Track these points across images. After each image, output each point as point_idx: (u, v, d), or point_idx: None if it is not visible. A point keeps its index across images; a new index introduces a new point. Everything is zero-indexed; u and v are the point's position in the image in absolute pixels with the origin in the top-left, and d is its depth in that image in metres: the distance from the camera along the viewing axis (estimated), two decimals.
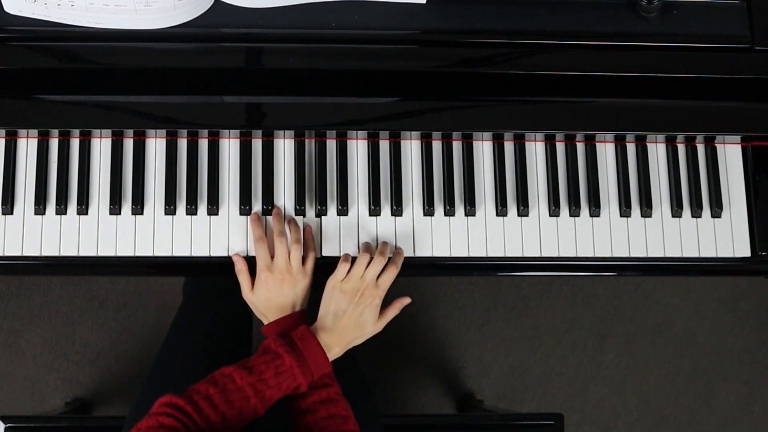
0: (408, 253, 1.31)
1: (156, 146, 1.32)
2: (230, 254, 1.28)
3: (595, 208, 1.34)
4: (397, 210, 1.32)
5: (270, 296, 1.23)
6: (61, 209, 1.28)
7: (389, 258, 1.27)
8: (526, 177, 1.35)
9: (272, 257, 1.25)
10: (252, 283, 1.25)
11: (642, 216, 1.35)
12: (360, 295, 1.22)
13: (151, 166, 1.31)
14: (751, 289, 2.25)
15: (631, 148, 1.37)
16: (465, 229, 1.33)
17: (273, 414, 1.33)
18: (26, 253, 1.28)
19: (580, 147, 1.37)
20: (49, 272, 1.32)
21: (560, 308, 2.20)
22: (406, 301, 1.28)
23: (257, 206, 1.31)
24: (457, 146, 1.35)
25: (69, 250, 1.28)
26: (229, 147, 1.32)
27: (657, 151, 1.38)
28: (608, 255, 1.34)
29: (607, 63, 1.30)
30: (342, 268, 1.24)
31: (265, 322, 1.25)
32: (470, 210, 1.33)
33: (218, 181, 1.31)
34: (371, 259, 1.24)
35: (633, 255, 1.34)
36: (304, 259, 1.26)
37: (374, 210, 1.32)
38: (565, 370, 2.20)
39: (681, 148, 1.38)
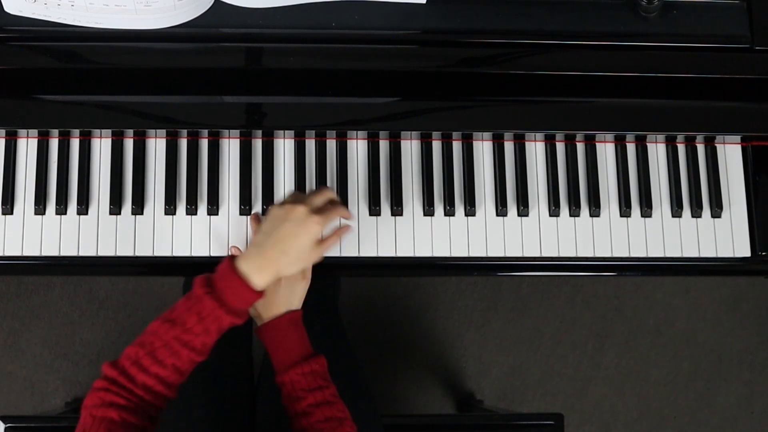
0: (408, 252, 1.31)
1: (156, 146, 1.32)
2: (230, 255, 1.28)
3: (595, 208, 1.34)
4: (397, 210, 1.32)
5: (266, 292, 1.22)
6: (61, 209, 1.28)
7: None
8: (526, 177, 1.35)
9: None
10: None
11: (642, 216, 1.35)
12: (297, 214, 1.13)
13: (151, 166, 1.31)
14: (751, 289, 2.25)
15: (631, 148, 1.37)
16: (465, 229, 1.33)
17: (272, 415, 1.33)
18: (26, 253, 1.28)
19: (580, 147, 1.37)
20: (49, 272, 1.32)
21: (560, 308, 2.20)
22: (349, 229, 1.24)
23: (257, 206, 1.31)
24: (457, 146, 1.35)
25: (69, 250, 1.28)
26: (229, 147, 1.32)
27: (657, 151, 1.38)
28: (608, 255, 1.34)
29: (607, 63, 1.30)
30: (290, 195, 1.20)
31: (259, 322, 1.24)
32: (470, 210, 1.33)
33: (218, 181, 1.31)
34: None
35: (633, 255, 1.34)
36: None
37: (374, 210, 1.32)
38: (565, 370, 2.20)
39: (681, 148, 1.38)
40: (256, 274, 1.11)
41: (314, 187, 1.32)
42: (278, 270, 1.13)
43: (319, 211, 1.17)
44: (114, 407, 1.05)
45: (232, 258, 1.12)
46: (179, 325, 1.08)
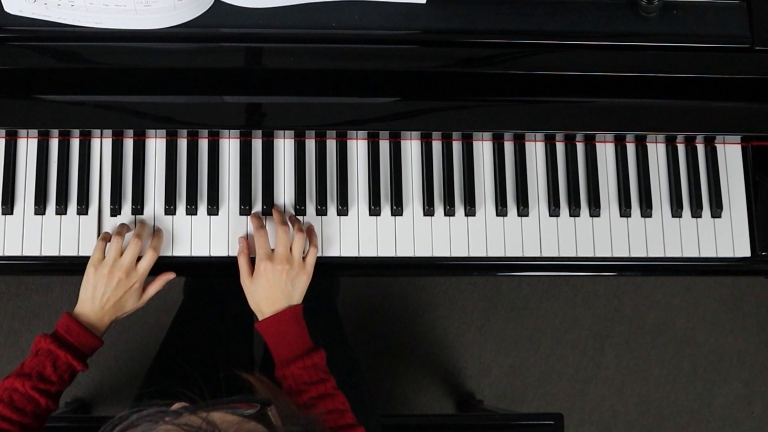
0: (408, 252, 1.31)
1: (156, 146, 1.32)
2: (230, 254, 1.28)
3: (595, 208, 1.34)
4: (397, 210, 1.32)
5: (268, 286, 1.22)
6: (61, 209, 1.28)
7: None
8: (526, 177, 1.35)
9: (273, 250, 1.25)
10: (252, 270, 1.25)
11: (642, 216, 1.35)
12: (117, 281, 1.22)
13: (151, 166, 1.31)
14: (751, 289, 2.25)
15: (631, 148, 1.37)
16: (465, 229, 1.33)
17: None
18: (26, 253, 1.28)
19: (580, 147, 1.37)
20: (49, 272, 1.32)
21: (560, 308, 2.20)
22: (171, 276, 1.29)
23: (257, 206, 1.31)
24: (457, 146, 1.35)
25: (69, 250, 1.28)
26: (229, 147, 1.32)
27: (657, 151, 1.38)
28: (608, 255, 1.34)
29: (607, 63, 1.30)
30: (97, 250, 1.24)
31: (260, 317, 1.24)
32: (470, 210, 1.33)
33: (218, 181, 1.31)
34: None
35: (633, 255, 1.34)
36: (305, 253, 1.26)
37: (374, 210, 1.32)
38: (565, 370, 2.20)
39: (681, 148, 1.38)
40: (101, 326, 1.23)
41: (314, 188, 1.32)
42: (115, 315, 1.24)
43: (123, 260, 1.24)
44: None
45: (69, 316, 1.22)
46: (35, 377, 1.16)
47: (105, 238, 1.25)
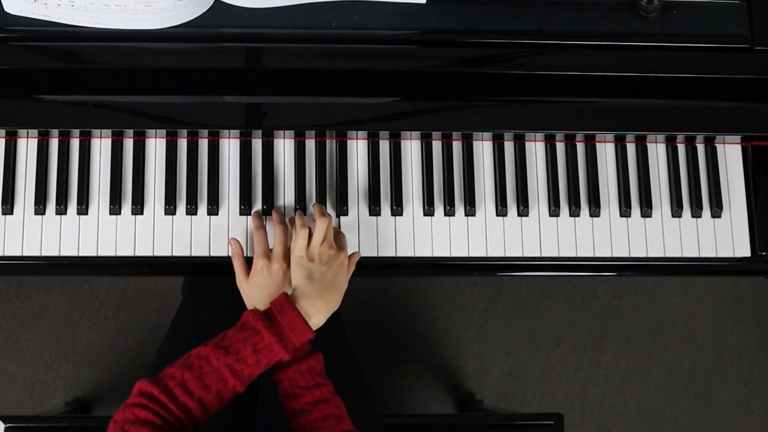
0: (408, 252, 1.31)
1: (156, 146, 1.32)
2: (230, 254, 1.28)
3: (595, 208, 1.34)
4: (397, 210, 1.32)
5: (265, 285, 1.22)
6: (61, 209, 1.28)
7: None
8: (526, 177, 1.35)
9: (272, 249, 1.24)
10: (248, 271, 1.25)
11: (642, 216, 1.35)
12: (328, 257, 1.20)
13: (151, 166, 1.31)
14: (751, 289, 2.25)
15: (631, 148, 1.37)
16: (465, 229, 1.33)
17: (272, 413, 1.33)
18: (26, 253, 1.28)
19: (580, 147, 1.37)
20: (49, 272, 1.32)
21: (560, 308, 2.20)
22: (358, 255, 1.29)
23: (257, 206, 1.31)
24: (457, 146, 1.35)
25: (69, 250, 1.28)
26: (229, 147, 1.32)
27: (657, 151, 1.38)
28: (608, 255, 1.34)
29: (607, 63, 1.30)
30: (302, 238, 1.22)
31: None
32: (470, 210, 1.33)
33: (218, 181, 1.31)
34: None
35: (633, 255, 1.34)
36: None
37: (374, 210, 1.32)
38: (565, 370, 2.20)
39: (681, 148, 1.38)
40: (317, 314, 1.15)
41: (314, 188, 1.32)
42: (331, 309, 1.18)
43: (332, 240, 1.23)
44: (148, 426, 1.03)
45: (286, 296, 1.14)
46: (232, 354, 1.08)
47: (304, 224, 1.23)
